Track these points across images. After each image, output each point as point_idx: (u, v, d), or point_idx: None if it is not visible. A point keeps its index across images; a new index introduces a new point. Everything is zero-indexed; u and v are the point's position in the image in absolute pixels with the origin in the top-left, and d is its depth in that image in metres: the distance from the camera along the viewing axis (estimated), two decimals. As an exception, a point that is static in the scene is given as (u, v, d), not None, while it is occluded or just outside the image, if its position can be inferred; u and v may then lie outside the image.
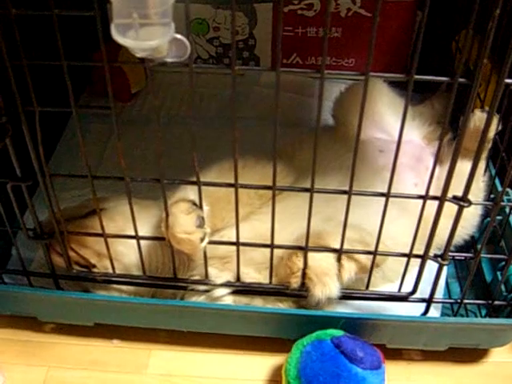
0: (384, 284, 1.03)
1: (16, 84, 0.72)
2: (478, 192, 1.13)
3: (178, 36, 0.61)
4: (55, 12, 0.66)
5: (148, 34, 0.57)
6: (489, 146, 1.10)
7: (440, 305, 1.07)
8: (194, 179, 0.79)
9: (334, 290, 0.89)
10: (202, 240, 0.85)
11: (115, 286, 1.00)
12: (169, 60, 0.64)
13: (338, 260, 0.89)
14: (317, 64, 1.67)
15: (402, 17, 1.58)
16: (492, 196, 1.16)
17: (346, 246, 0.87)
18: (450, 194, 0.80)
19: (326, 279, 0.89)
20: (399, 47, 1.63)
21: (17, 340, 1.05)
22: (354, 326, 0.95)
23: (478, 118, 1.07)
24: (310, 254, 0.88)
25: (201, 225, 0.84)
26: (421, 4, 1.55)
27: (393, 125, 1.23)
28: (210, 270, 0.94)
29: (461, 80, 0.69)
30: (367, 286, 0.95)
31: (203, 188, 0.81)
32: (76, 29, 1.21)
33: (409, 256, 0.88)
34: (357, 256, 0.89)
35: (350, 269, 0.90)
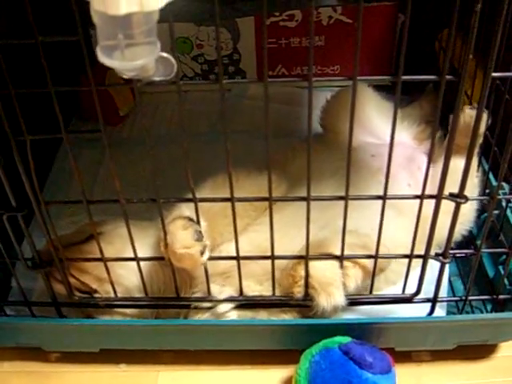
0: (387, 287, 1.03)
1: (5, 113, 0.72)
2: (472, 188, 1.13)
3: (164, 54, 0.61)
4: (40, 39, 0.66)
5: (134, 53, 0.57)
6: (480, 140, 1.10)
7: (445, 304, 1.07)
8: (189, 196, 0.79)
9: (339, 298, 0.89)
10: (202, 253, 0.84)
11: (118, 309, 0.99)
12: (156, 79, 0.64)
13: (342, 267, 0.88)
14: (302, 74, 1.68)
15: (384, 20, 1.59)
16: (487, 191, 1.16)
17: (347, 252, 0.87)
18: (445, 192, 0.80)
19: (331, 289, 0.88)
20: (382, 51, 1.64)
21: (23, 372, 1.04)
22: (361, 331, 0.95)
23: (467, 114, 1.07)
24: (314, 264, 0.88)
25: (199, 238, 0.84)
26: (402, 7, 1.56)
27: (382, 128, 1.24)
28: (212, 287, 0.94)
29: (448, 77, 0.69)
30: (371, 291, 0.94)
31: (199, 204, 0.81)
32: (63, 54, 1.21)
33: (410, 257, 0.88)
34: (362, 262, 0.89)
35: (356, 277, 0.90)
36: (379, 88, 1.34)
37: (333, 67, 1.67)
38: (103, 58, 0.57)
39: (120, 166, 1.39)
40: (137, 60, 0.57)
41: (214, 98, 1.61)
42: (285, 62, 1.68)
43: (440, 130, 1.16)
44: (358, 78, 0.68)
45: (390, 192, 0.80)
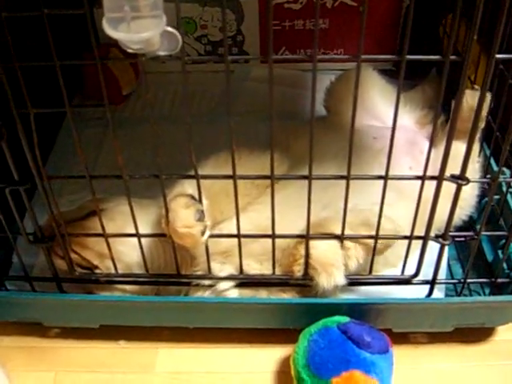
0: (386, 269, 1.03)
1: (9, 87, 0.72)
2: (473, 173, 1.13)
3: (169, 29, 0.61)
4: (45, 12, 0.66)
5: (140, 26, 0.57)
6: (482, 125, 1.10)
7: (443, 287, 1.07)
8: (192, 173, 0.80)
9: (339, 279, 0.90)
10: (202, 233, 0.85)
11: (118, 286, 1.00)
12: (161, 53, 0.64)
13: (343, 247, 0.89)
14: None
15: (388, 4, 1.59)
16: (488, 176, 1.16)
17: (348, 231, 0.87)
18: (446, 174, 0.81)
19: (333, 269, 0.89)
20: (386, 34, 1.64)
21: (23, 347, 1.05)
22: (359, 311, 0.95)
23: (469, 95, 1.06)
24: (315, 244, 0.88)
25: (201, 218, 0.84)
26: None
27: (385, 111, 1.24)
28: (212, 265, 0.94)
29: (452, 57, 0.69)
30: (370, 271, 0.95)
31: (201, 182, 0.81)
32: (65, 34, 1.20)
33: (410, 238, 0.89)
34: (363, 242, 0.89)
35: (357, 257, 0.90)
36: (382, 72, 1.34)
37: (336, 50, 1.65)
38: (109, 30, 0.57)
39: (121, 145, 1.39)
40: (142, 32, 0.57)
41: (217, 80, 1.61)
42: (288, 44, 1.67)
43: (442, 115, 1.16)
44: (363, 56, 0.68)
45: (391, 174, 0.80)
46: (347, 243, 0.89)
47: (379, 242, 0.89)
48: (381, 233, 0.87)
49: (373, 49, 1.60)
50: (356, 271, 0.93)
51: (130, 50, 0.61)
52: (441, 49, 1.50)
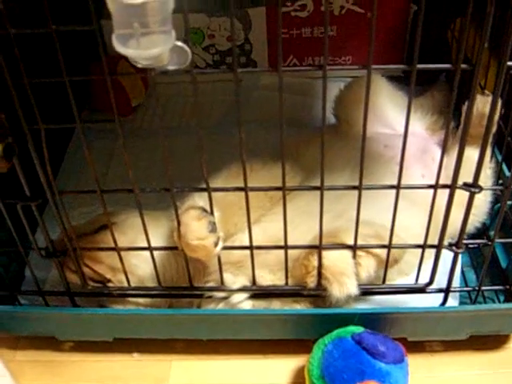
0: (399, 278, 1.03)
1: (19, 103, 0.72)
2: (485, 179, 1.13)
3: (179, 43, 0.61)
4: (54, 28, 0.66)
5: (149, 42, 0.57)
6: (493, 130, 1.09)
7: (457, 295, 1.06)
8: (203, 186, 0.79)
9: (352, 288, 0.89)
10: (215, 245, 0.84)
11: (131, 299, 1.00)
12: (170, 68, 0.64)
13: (355, 257, 0.88)
14: (314, 64, 1.67)
15: (396, 10, 1.59)
16: (500, 182, 1.15)
17: (360, 242, 0.86)
18: (459, 182, 0.80)
19: (344, 279, 0.88)
20: (394, 41, 1.64)
21: (37, 361, 1.05)
22: (374, 321, 0.95)
23: (480, 101, 1.06)
24: (326, 254, 0.88)
25: (213, 230, 0.84)
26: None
27: (395, 119, 1.24)
28: (225, 276, 0.94)
29: (463, 66, 0.69)
30: (384, 281, 0.94)
31: (212, 194, 0.81)
32: (71, 44, 1.21)
33: (423, 247, 0.88)
34: (374, 251, 0.89)
35: (368, 266, 0.89)
36: (391, 79, 1.33)
37: (344, 57, 1.66)
38: (119, 47, 0.57)
39: (131, 157, 1.39)
40: (152, 49, 0.57)
41: (226, 89, 1.61)
42: (296, 52, 1.67)
43: (452, 120, 1.16)
44: (373, 66, 0.67)
45: (403, 183, 0.80)
46: (358, 252, 0.89)
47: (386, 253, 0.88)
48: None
49: (380, 54, 1.59)
50: (369, 281, 0.92)
51: (139, 65, 0.61)
52: (449, 53, 1.50)
